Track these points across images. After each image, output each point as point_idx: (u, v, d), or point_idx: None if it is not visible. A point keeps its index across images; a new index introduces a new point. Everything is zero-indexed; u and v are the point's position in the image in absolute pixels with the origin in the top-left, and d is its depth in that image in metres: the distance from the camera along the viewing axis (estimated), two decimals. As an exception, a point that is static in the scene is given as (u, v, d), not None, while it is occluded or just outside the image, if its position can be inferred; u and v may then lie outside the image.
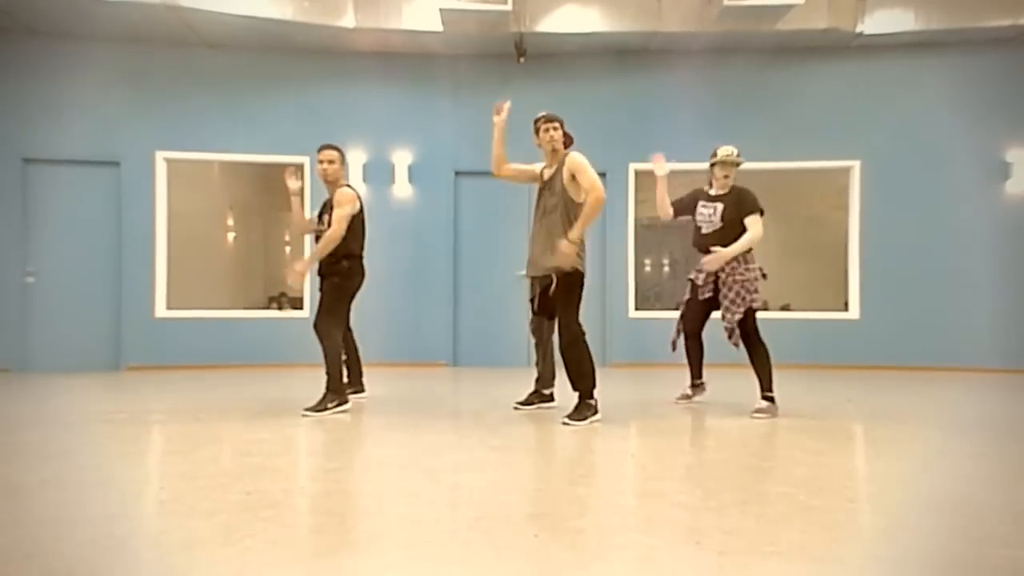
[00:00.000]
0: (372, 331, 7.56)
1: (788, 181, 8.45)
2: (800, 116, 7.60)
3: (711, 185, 4.72)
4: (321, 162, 4.65)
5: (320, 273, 4.63)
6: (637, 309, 7.79)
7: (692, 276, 4.73)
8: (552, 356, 4.55)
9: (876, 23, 7.31)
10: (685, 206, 4.80)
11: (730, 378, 5.21)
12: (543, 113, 4.28)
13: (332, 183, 4.68)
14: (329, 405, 4.31)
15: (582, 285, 4.14)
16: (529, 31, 7.22)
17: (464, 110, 7.69)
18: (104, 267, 7.34)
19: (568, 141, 4.30)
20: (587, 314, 7.48)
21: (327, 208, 4.70)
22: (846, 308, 7.69)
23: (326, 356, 4.40)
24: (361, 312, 7.48)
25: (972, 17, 7.24)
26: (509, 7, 6.77)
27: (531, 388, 4.62)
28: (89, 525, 2.09)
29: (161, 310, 7.42)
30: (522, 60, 7.40)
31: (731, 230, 4.46)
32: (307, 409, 4.28)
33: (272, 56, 7.56)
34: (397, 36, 7.35)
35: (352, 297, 4.69)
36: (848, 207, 7.71)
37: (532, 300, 4.44)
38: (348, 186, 4.71)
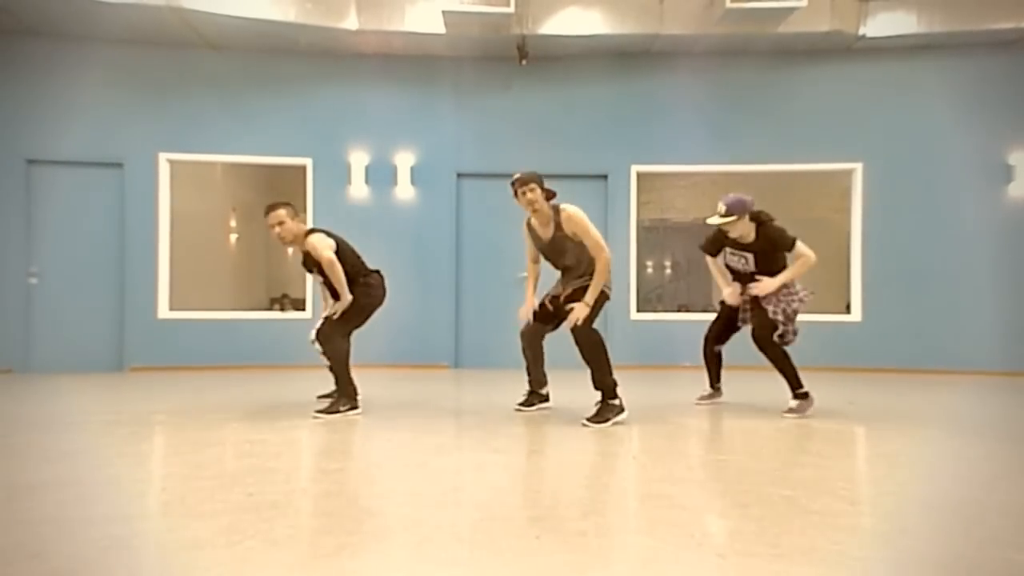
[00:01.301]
0: (374, 333, 7.56)
1: (790, 183, 8.46)
2: (802, 119, 7.61)
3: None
4: (272, 226, 4.35)
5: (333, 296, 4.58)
6: (639, 311, 7.79)
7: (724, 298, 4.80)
8: (543, 361, 4.58)
9: (878, 26, 7.31)
10: (713, 248, 4.79)
11: (738, 381, 5.22)
12: (517, 175, 4.13)
13: (292, 243, 4.46)
14: (341, 408, 4.32)
15: (603, 304, 4.15)
16: (531, 33, 7.23)
17: (466, 112, 7.70)
18: (107, 268, 7.36)
19: (550, 195, 4.18)
20: (589, 316, 7.58)
21: (309, 265, 4.56)
22: (848, 311, 7.69)
23: (332, 362, 4.40)
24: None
25: (974, 20, 7.24)
26: (511, 9, 6.78)
27: (527, 390, 4.63)
28: (92, 525, 2.09)
29: (164, 311, 7.43)
30: (524, 62, 7.41)
31: (768, 268, 4.47)
32: (318, 411, 4.30)
33: (275, 58, 7.58)
34: (399, 38, 7.36)
35: (369, 313, 4.65)
36: (850, 210, 7.71)
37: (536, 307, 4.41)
38: (312, 231, 4.48)
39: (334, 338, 4.42)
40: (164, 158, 7.45)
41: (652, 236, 9.85)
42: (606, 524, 2.13)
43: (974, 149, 7.44)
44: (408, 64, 7.66)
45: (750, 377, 6.12)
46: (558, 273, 4.42)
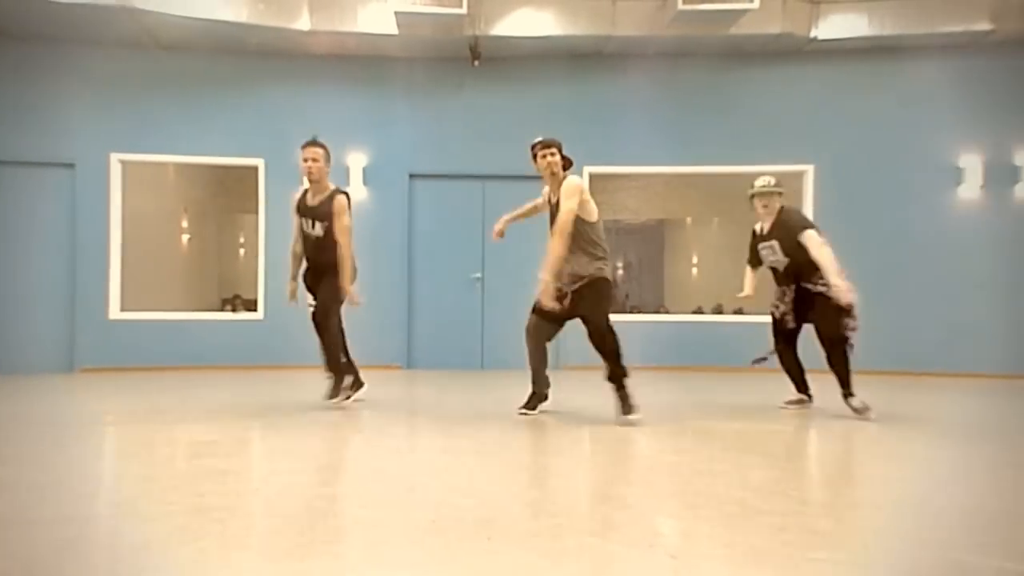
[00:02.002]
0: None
1: (742, 185, 8.46)
2: (754, 120, 7.63)
3: (758, 217, 4.73)
4: (306, 160, 4.49)
5: (320, 272, 4.60)
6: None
7: (772, 310, 4.78)
8: (546, 360, 4.47)
9: (830, 28, 7.34)
10: (754, 256, 4.81)
11: (691, 381, 5.23)
12: (540, 138, 4.18)
13: (316, 182, 4.57)
14: (348, 391, 4.53)
15: (611, 292, 4.20)
16: (484, 34, 7.24)
17: (419, 113, 7.71)
18: (58, 269, 7.32)
19: (567, 164, 4.21)
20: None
21: (316, 212, 4.55)
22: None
23: (326, 346, 4.51)
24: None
25: (925, 23, 7.28)
26: (464, 11, 6.78)
27: (530, 392, 4.47)
28: (42, 527, 2.07)
29: (115, 312, 7.41)
30: (477, 63, 7.41)
31: (798, 256, 4.46)
32: (328, 398, 4.49)
33: (227, 58, 7.56)
34: (352, 39, 7.36)
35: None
36: (801, 211, 7.73)
37: (536, 301, 4.26)
38: (340, 190, 4.60)
39: (331, 314, 4.49)
40: (116, 158, 7.43)
41: (605, 237, 9.84)
42: (558, 525, 2.12)
43: (924, 151, 7.49)
44: (360, 65, 7.66)
45: (696, 378, 6.14)
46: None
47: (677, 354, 7.54)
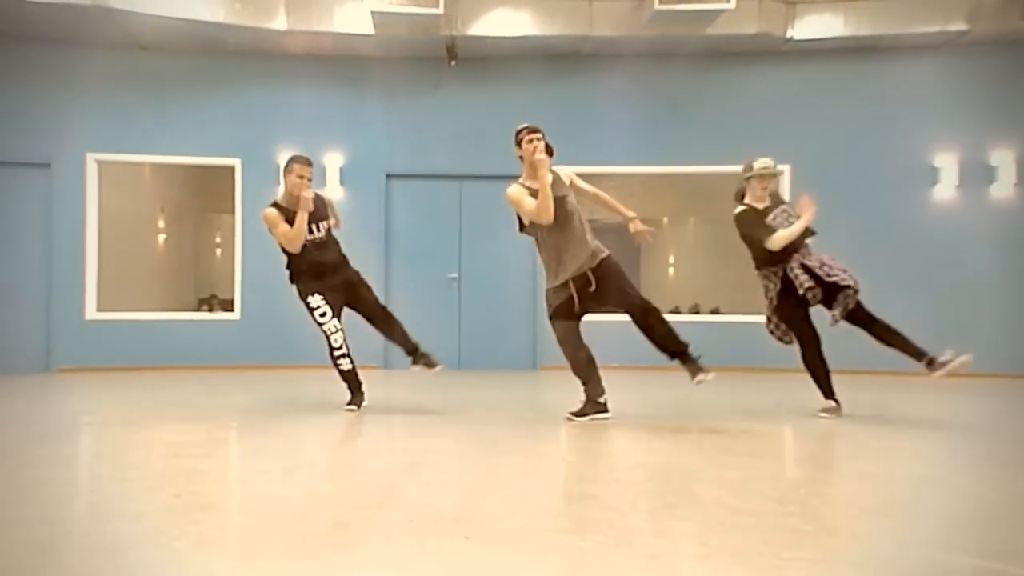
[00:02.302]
0: (303, 334, 7.56)
1: (719, 185, 8.48)
2: (731, 121, 7.63)
3: (755, 199, 4.56)
4: (303, 177, 4.65)
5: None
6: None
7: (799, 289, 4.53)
8: (595, 360, 4.30)
9: (806, 28, 7.35)
10: (769, 228, 4.53)
11: (658, 380, 5.22)
12: (525, 124, 4.27)
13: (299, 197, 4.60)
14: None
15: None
16: (461, 35, 7.23)
17: (396, 113, 7.70)
18: (34, 269, 7.31)
19: (549, 152, 4.23)
20: (519, 317, 7.60)
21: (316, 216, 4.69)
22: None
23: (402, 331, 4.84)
24: (291, 315, 7.53)
25: (901, 23, 7.29)
26: (440, 11, 6.76)
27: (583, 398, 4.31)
28: (17, 527, 2.07)
29: (91, 312, 7.40)
30: (454, 63, 7.42)
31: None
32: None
33: (204, 58, 7.55)
34: (328, 39, 7.35)
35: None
36: (779, 211, 7.75)
37: (558, 306, 4.14)
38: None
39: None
40: (92, 158, 7.42)
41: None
42: (535, 525, 2.13)
43: (900, 151, 7.51)
44: (337, 65, 7.65)
45: (672, 378, 6.13)
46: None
47: (654, 354, 7.51)
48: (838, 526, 2.19)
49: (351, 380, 4.59)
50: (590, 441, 3.67)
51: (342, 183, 7.62)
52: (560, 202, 4.12)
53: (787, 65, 7.62)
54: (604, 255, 4.12)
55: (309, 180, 4.62)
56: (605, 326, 7.86)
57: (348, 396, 4.61)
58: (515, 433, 3.84)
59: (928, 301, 7.37)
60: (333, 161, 7.60)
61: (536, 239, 4.27)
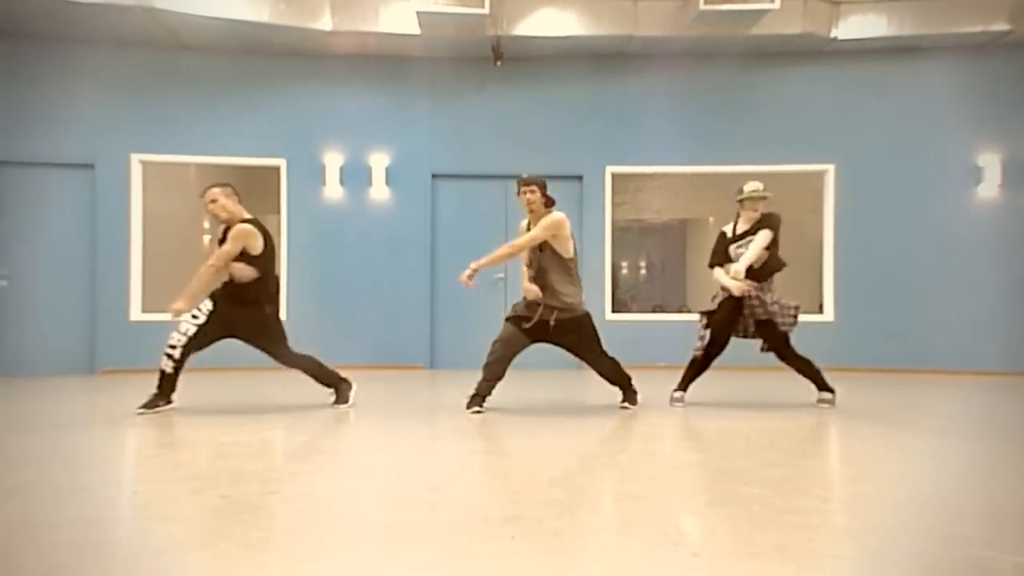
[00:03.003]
0: (350, 334, 7.58)
1: (765, 185, 8.50)
2: (775, 120, 7.66)
3: (735, 223, 4.87)
4: (207, 203, 4.53)
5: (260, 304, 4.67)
6: (614, 311, 7.82)
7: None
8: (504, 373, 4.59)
9: (850, 28, 7.38)
10: (721, 257, 4.91)
11: (711, 381, 5.23)
12: (524, 175, 4.46)
13: (227, 221, 4.55)
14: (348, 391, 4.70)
15: (592, 322, 4.54)
16: (506, 34, 7.24)
17: (441, 113, 7.70)
18: (78, 270, 7.29)
19: (548, 202, 4.44)
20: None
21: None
22: (821, 310, 7.75)
23: (308, 373, 4.72)
24: (337, 315, 7.53)
25: (944, 23, 7.32)
26: (486, 10, 6.78)
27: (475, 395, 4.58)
28: (64, 529, 2.06)
29: (136, 313, 7.37)
30: (499, 63, 7.42)
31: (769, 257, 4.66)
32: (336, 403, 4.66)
33: (248, 58, 7.53)
34: (374, 39, 7.35)
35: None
36: (822, 211, 7.78)
37: (522, 318, 4.49)
38: (250, 221, 4.56)
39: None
40: (136, 159, 7.40)
41: (627, 237, 9.84)
42: (582, 524, 2.13)
43: (944, 150, 7.54)
44: (383, 65, 7.65)
45: (724, 377, 6.14)
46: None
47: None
48: (881, 524, 2.20)
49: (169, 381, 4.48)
50: (636, 441, 3.69)
51: (387, 183, 7.61)
52: (532, 250, 4.48)
53: (831, 65, 7.65)
54: (568, 315, 4.42)
55: (210, 203, 4.53)
56: (649, 327, 7.92)
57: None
58: (561, 433, 3.83)
59: (973, 300, 7.41)
60: (379, 161, 7.59)
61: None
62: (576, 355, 4.64)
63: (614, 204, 7.84)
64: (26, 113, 7.15)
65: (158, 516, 2.24)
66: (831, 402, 4.76)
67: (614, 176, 7.76)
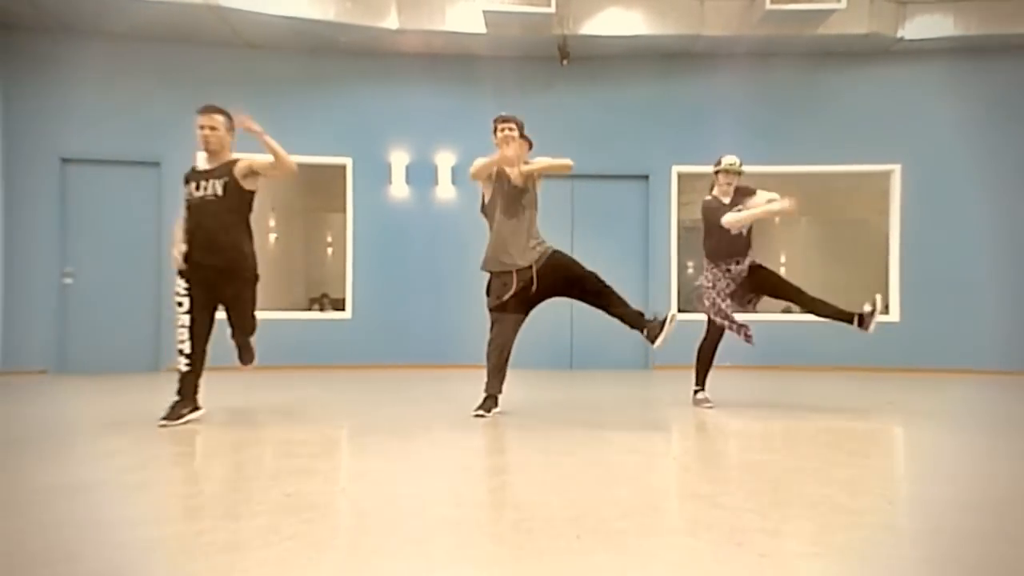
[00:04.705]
0: (414, 333, 7.56)
1: (830, 184, 8.51)
2: (841, 120, 7.65)
3: (720, 193, 4.84)
4: (203, 127, 4.02)
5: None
6: (680, 311, 7.78)
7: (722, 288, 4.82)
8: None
9: (916, 28, 7.38)
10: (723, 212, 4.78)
11: (771, 381, 5.21)
12: (501, 114, 4.36)
13: (217, 152, 4.07)
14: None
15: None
16: (572, 34, 7.24)
17: (507, 112, 7.65)
18: (143, 267, 7.28)
19: (529, 144, 4.43)
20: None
21: (203, 176, 4.07)
22: (887, 311, 7.72)
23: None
24: (402, 314, 7.51)
25: (1010, 23, 7.31)
26: (552, 10, 6.78)
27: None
28: (127, 528, 2.06)
29: (201, 311, 7.34)
30: (565, 63, 7.42)
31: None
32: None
33: (314, 57, 7.54)
34: (440, 38, 7.35)
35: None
36: (889, 211, 7.76)
37: (502, 299, 4.33)
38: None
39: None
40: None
41: (693, 236, 9.75)
42: (646, 524, 2.12)
43: (1011, 151, 7.51)
44: (449, 64, 7.64)
45: (784, 377, 6.12)
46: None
47: (765, 353, 7.52)
48: (947, 526, 2.18)
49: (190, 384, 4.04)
50: (701, 441, 3.67)
51: (453, 182, 7.60)
52: (511, 191, 4.30)
53: (897, 65, 7.63)
54: (541, 261, 4.25)
55: (208, 129, 4.03)
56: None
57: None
58: (626, 432, 3.79)
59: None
60: (445, 160, 7.58)
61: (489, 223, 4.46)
62: (578, 286, 4.25)
63: (680, 204, 7.82)
64: (93, 111, 7.16)
65: (222, 514, 2.22)
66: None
67: (680, 176, 7.74)
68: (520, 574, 1.72)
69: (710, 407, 4.62)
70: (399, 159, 7.52)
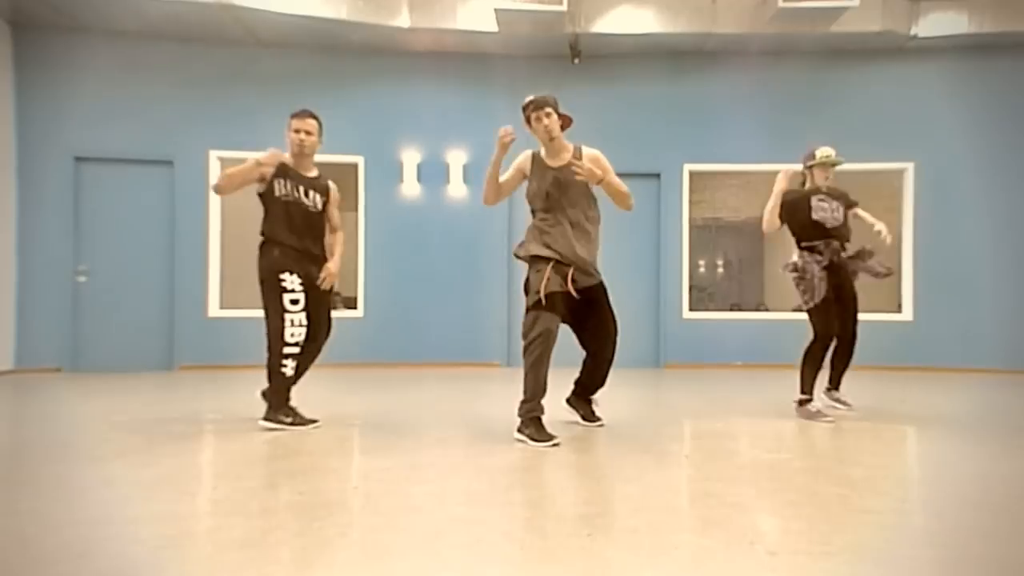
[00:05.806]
0: (426, 332, 7.57)
1: (842, 182, 8.42)
2: (854, 118, 7.61)
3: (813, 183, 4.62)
4: (298, 131, 3.93)
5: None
6: (691, 310, 7.78)
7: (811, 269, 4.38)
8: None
9: (930, 26, 7.34)
10: (794, 209, 4.53)
11: (781, 379, 5.19)
12: (531, 98, 3.71)
13: (308, 156, 4.02)
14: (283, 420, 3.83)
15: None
16: (584, 32, 7.24)
17: (519, 110, 7.64)
18: (157, 266, 7.31)
19: (566, 122, 3.75)
20: (642, 315, 7.56)
21: (309, 185, 4.02)
22: (899, 310, 7.70)
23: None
24: (415, 313, 7.52)
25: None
26: (564, 8, 6.78)
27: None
28: (141, 524, 2.08)
29: (214, 309, 7.39)
30: (577, 61, 7.42)
31: (846, 224, 4.53)
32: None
33: (326, 55, 7.55)
34: (452, 36, 7.35)
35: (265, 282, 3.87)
36: (901, 209, 7.73)
37: (546, 296, 3.47)
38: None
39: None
40: (214, 156, 7.41)
41: (704, 235, 9.77)
42: (658, 522, 2.12)
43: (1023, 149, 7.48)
44: (460, 62, 7.65)
45: (795, 376, 6.10)
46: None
47: (778, 352, 7.52)
48: (959, 526, 2.17)
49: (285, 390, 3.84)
50: (712, 439, 3.66)
51: (465, 181, 7.61)
52: (566, 190, 3.64)
53: (910, 63, 7.60)
54: (593, 282, 3.72)
55: (305, 134, 3.94)
56: (726, 326, 7.85)
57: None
58: (637, 430, 3.79)
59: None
60: (456, 159, 7.59)
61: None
62: (603, 332, 3.81)
63: (692, 202, 7.81)
64: (106, 109, 7.18)
65: (236, 511, 2.23)
66: None
67: (691, 174, 7.73)
68: (532, 572, 1.73)
69: (830, 422, 4.12)
70: (411, 157, 7.53)
